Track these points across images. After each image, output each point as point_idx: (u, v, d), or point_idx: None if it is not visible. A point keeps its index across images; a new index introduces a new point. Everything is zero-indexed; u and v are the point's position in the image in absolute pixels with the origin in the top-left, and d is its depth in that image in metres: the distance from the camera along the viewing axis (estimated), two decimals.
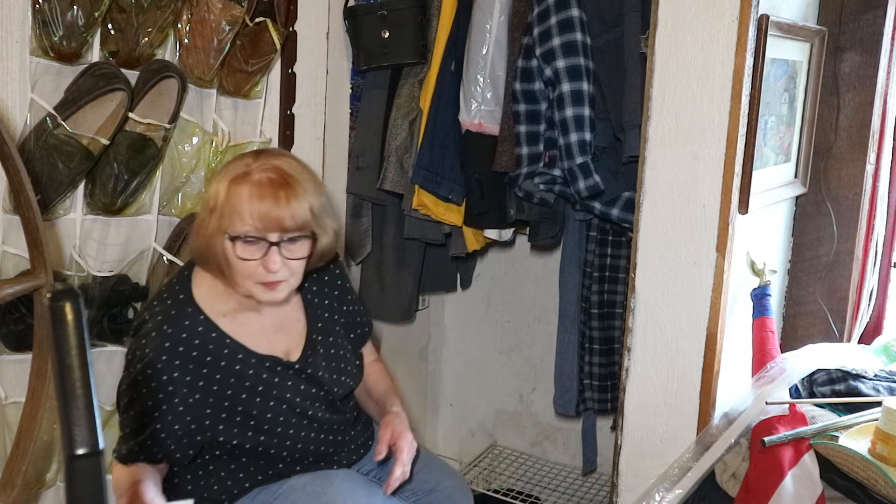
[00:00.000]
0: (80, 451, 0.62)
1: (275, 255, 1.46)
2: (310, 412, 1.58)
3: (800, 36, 1.92)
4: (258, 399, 1.53)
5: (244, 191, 1.44)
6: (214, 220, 1.46)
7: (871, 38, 2.04)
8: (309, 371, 1.59)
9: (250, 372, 1.52)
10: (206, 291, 1.53)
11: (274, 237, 1.45)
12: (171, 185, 1.90)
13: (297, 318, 1.63)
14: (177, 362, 1.46)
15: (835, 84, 2.08)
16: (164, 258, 1.90)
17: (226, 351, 1.51)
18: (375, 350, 1.88)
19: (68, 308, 0.63)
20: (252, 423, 1.52)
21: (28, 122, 1.64)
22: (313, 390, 1.59)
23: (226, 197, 1.45)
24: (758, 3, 1.63)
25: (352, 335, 1.73)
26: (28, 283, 1.28)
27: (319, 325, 1.65)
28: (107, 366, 1.86)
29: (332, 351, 1.65)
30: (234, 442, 1.52)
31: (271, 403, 1.54)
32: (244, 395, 1.51)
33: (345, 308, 1.72)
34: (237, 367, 1.51)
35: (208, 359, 1.49)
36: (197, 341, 1.48)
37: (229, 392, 1.50)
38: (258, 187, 1.44)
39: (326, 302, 1.68)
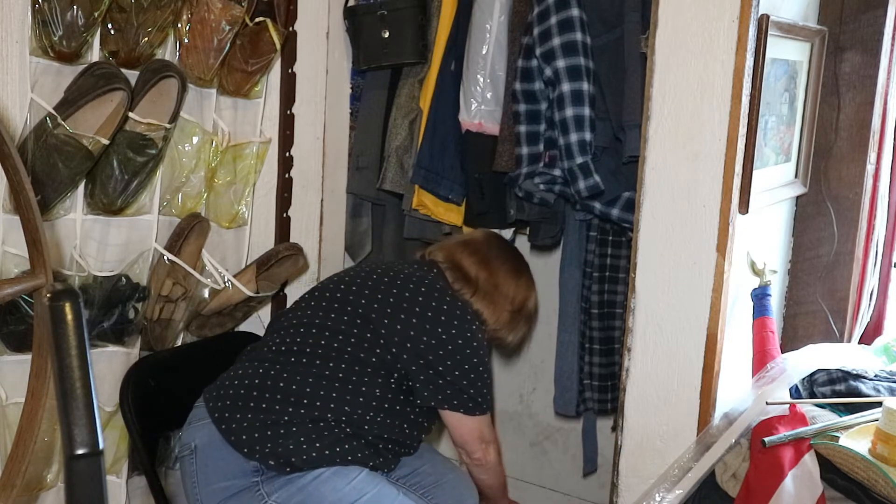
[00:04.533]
0: (80, 451, 0.62)
1: None
2: None
3: (800, 36, 1.92)
4: None
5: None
6: (525, 326, 1.93)
7: (872, 38, 2.04)
8: None
9: None
10: None
11: None
12: (172, 184, 1.90)
13: None
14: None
15: (835, 84, 2.08)
16: (165, 258, 1.90)
17: None
18: None
19: (68, 308, 0.63)
20: None
21: (28, 122, 1.64)
22: None
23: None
24: (758, 3, 1.63)
25: None
26: (28, 283, 1.27)
27: None
28: (107, 366, 1.86)
29: None
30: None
31: None
32: None
33: None
34: None
35: None
36: None
37: None
38: None
39: None
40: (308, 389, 1.65)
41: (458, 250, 1.87)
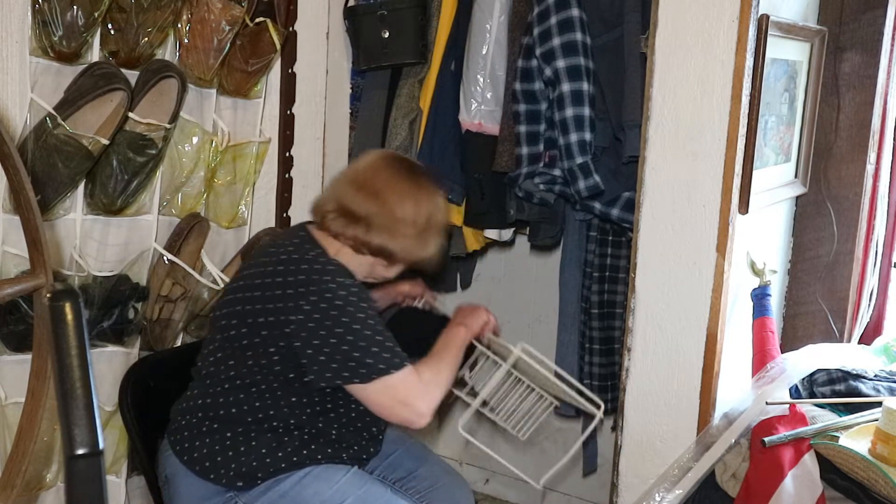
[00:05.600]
0: (80, 451, 0.62)
1: None
2: None
3: (800, 36, 1.92)
4: None
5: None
6: (437, 237, 1.73)
7: (872, 38, 2.04)
8: None
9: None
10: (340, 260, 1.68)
11: None
12: (171, 184, 1.90)
13: None
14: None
15: (835, 84, 2.08)
16: (165, 258, 1.90)
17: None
18: None
19: (68, 308, 0.63)
20: None
21: (28, 122, 1.64)
22: None
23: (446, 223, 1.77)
24: (758, 3, 1.63)
25: None
26: (28, 283, 1.27)
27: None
28: (107, 366, 1.86)
29: None
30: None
31: None
32: None
33: None
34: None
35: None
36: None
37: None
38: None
39: None
40: (246, 407, 1.61)
41: (344, 191, 1.71)
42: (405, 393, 1.58)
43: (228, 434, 1.61)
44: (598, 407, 1.82)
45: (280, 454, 1.61)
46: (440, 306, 2.04)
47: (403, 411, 1.59)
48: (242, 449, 1.60)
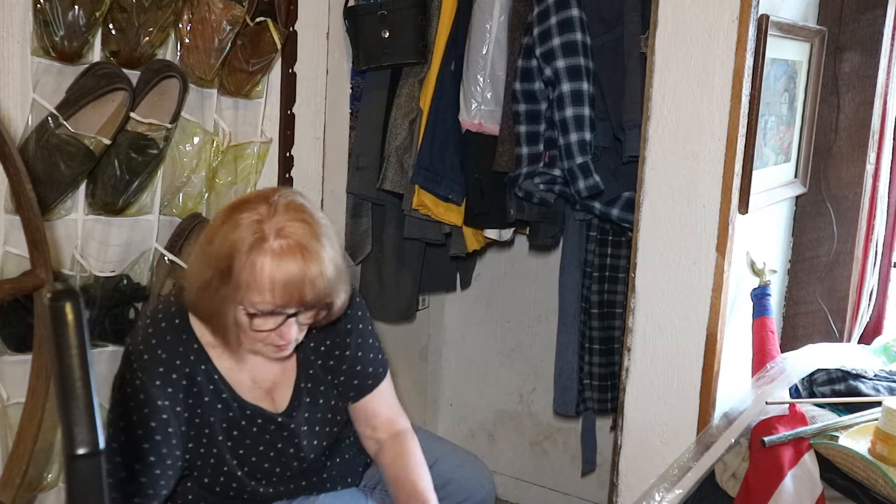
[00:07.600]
0: (81, 451, 0.62)
1: (292, 326, 1.40)
2: (278, 468, 1.56)
3: (800, 36, 1.92)
4: (233, 444, 1.51)
5: (265, 264, 1.32)
6: (227, 289, 1.34)
7: (871, 38, 2.04)
8: (291, 426, 1.54)
9: (230, 414, 1.50)
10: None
11: (292, 310, 1.39)
12: (173, 185, 1.91)
13: (289, 361, 1.57)
14: (169, 390, 1.43)
15: (835, 84, 2.08)
16: (166, 258, 1.91)
17: (211, 387, 1.48)
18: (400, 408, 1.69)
19: (68, 308, 0.63)
20: (224, 465, 1.51)
21: (29, 122, 1.64)
22: (291, 450, 1.56)
23: (242, 267, 1.33)
24: (758, 3, 1.63)
25: (341, 388, 1.62)
26: (28, 283, 1.28)
27: (311, 371, 1.58)
28: (108, 366, 1.86)
29: (321, 401, 1.59)
30: (205, 480, 1.51)
31: (241, 452, 1.52)
32: (220, 437, 1.50)
33: (346, 354, 1.61)
34: (219, 406, 1.49)
35: (195, 390, 1.46)
36: (188, 370, 1.45)
37: (207, 430, 1.49)
38: (279, 259, 1.33)
39: (322, 349, 1.59)
40: None
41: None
42: None
43: None
44: None
45: None
46: None
47: None
48: None
